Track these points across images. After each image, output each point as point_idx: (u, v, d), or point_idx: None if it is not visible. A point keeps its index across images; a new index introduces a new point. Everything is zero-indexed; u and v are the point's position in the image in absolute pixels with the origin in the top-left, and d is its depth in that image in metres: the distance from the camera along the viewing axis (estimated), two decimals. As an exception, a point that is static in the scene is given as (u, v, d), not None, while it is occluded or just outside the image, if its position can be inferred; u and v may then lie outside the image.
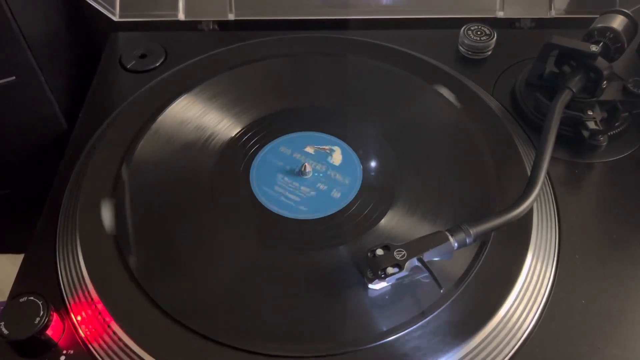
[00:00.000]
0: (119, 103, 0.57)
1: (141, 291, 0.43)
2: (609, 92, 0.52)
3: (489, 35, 0.60)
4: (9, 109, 0.55)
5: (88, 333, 0.42)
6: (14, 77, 0.53)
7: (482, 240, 0.45)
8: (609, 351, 0.41)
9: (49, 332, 0.41)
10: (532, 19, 0.65)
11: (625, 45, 0.53)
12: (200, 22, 0.66)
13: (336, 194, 0.49)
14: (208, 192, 0.49)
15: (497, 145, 0.52)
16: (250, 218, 0.48)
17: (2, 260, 0.63)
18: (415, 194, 0.49)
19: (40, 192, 0.52)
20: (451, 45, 0.62)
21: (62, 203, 0.50)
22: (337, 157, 0.52)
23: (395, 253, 0.41)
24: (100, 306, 0.42)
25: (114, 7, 0.64)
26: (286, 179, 0.50)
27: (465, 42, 0.60)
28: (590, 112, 0.52)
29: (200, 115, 0.55)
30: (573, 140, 0.52)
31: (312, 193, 0.49)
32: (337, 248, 0.46)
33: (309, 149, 0.52)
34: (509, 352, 0.41)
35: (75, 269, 0.44)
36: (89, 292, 0.43)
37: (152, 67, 0.61)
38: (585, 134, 0.51)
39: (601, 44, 0.52)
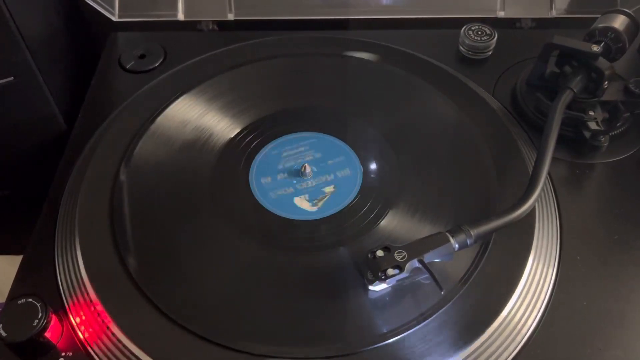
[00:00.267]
0: (118, 103, 0.57)
1: (140, 292, 0.42)
2: (610, 92, 0.52)
3: (490, 35, 0.60)
4: (7, 109, 0.55)
5: (87, 335, 0.41)
6: (12, 78, 0.53)
7: (483, 241, 0.44)
8: (611, 353, 0.41)
9: (47, 334, 0.40)
10: (533, 19, 0.65)
11: (627, 45, 0.53)
12: (199, 22, 0.66)
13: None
14: (207, 192, 0.49)
15: (497, 145, 0.51)
16: (250, 219, 0.48)
17: (0, 262, 0.63)
18: (415, 195, 0.49)
19: (39, 192, 0.52)
20: (452, 45, 0.62)
21: (61, 204, 0.49)
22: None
23: (395, 254, 0.41)
24: (99, 308, 0.42)
25: (113, 7, 0.64)
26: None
27: (466, 42, 0.60)
28: (591, 113, 0.51)
29: (199, 116, 0.54)
30: (574, 140, 0.52)
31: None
32: (337, 249, 0.45)
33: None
34: (511, 354, 0.41)
35: (74, 271, 0.44)
36: (87, 293, 0.43)
37: (151, 67, 0.60)
38: (587, 134, 0.51)
39: (602, 44, 0.52)
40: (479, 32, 0.60)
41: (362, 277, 0.43)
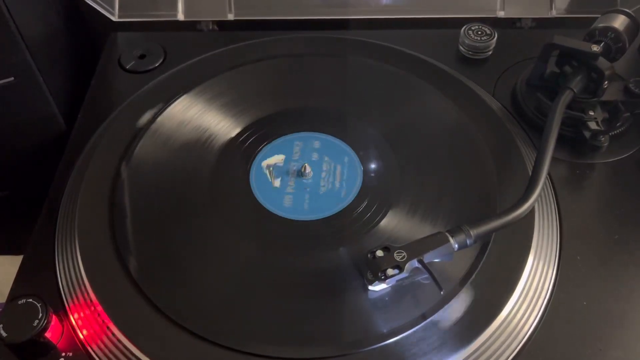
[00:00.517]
0: (118, 103, 0.57)
1: (140, 293, 0.42)
2: (611, 92, 0.52)
3: (490, 35, 0.60)
4: (7, 109, 0.55)
5: (87, 335, 0.41)
6: (12, 78, 0.53)
7: (483, 242, 0.44)
8: (611, 353, 0.41)
9: (47, 334, 0.40)
10: (533, 19, 0.65)
11: (627, 45, 0.53)
12: (199, 22, 0.66)
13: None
14: (207, 192, 0.49)
15: (497, 145, 0.51)
16: (250, 219, 0.48)
17: (1, 262, 0.63)
18: (415, 195, 0.49)
19: (39, 193, 0.52)
20: (452, 45, 0.62)
21: (61, 204, 0.49)
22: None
23: (395, 254, 0.41)
24: (99, 308, 0.42)
25: (113, 7, 0.64)
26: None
27: (466, 42, 0.60)
28: (591, 113, 0.51)
29: (199, 116, 0.54)
30: (574, 140, 0.52)
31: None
32: (337, 249, 0.45)
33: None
34: (511, 354, 0.41)
35: (74, 271, 0.44)
36: (88, 294, 0.43)
37: (151, 67, 0.60)
38: (587, 134, 0.51)
39: (602, 44, 0.52)
40: (479, 32, 0.60)
41: (361, 277, 0.43)
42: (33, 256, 0.46)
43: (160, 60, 0.61)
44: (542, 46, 0.53)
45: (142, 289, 0.42)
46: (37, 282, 0.45)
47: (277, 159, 0.50)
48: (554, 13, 0.65)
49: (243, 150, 0.52)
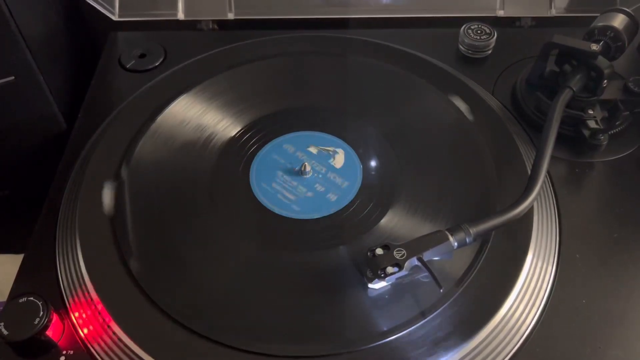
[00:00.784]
0: (118, 103, 0.57)
1: (141, 291, 0.42)
2: (610, 91, 0.52)
3: (489, 34, 0.60)
4: (7, 109, 0.55)
5: (88, 333, 0.42)
6: (13, 77, 0.53)
7: (483, 240, 0.45)
8: (610, 352, 0.41)
9: (48, 332, 0.40)
10: (533, 18, 0.65)
11: (626, 44, 0.53)
12: (199, 21, 0.66)
13: (336, 193, 0.49)
14: (208, 192, 0.49)
15: (497, 144, 0.51)
16: (250, 218, 0.48)
17: (1, 261, 0.63)
18: (415, 194, 0.49)
19: (39, 192, 0.52)
20: (451, 44, 0.62)
21: (62, 202, 0.49)
22: (339, 158, 0.52)
23: (395, 252, 0.41)
24: (100, 306, 0.42)
25: (113, 6, 0.64)
26: (286, 178, 0.50)
27: (466, 41, 0.60)
28: (590, 111, 0.52)
29: (200, 115, 0.54)
30: (574, 139, 0.52)
31: (312, 192, 0.49)
32: (337, 248, 0.45)
33: (312, 149, 0.52)
34: (510, 352, 0.41)
35: (75, 269, 0.44)
36: (88, 292, 0.43)
37: (151, 66, 0.61)
38: (586, 133, 0.51)
39: (602, 43, 0.52)
40: (479, 31, 0.60)
41: (361, 276, 0.43)
42: (34, 255, 0.47)
43: (161, 60, 0.61)
44: (541, 45, 0.53)
45: (142, 287, 0.43)
46: (38, 280, 0.45)
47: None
48: (553, 12, 0.65)
49: (243, 148, 0.52)
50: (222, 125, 0.54)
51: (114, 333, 0.41)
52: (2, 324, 0.40)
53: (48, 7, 0.60)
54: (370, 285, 0.42)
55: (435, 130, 0.54)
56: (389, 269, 0.40)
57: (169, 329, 0.41)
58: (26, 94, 0.55)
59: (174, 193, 0.49)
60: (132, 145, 0.51)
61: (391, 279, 0.41)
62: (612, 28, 0.52)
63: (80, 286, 0.43)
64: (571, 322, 0.42)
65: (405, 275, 0.41)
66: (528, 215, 0.44)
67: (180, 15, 0.65)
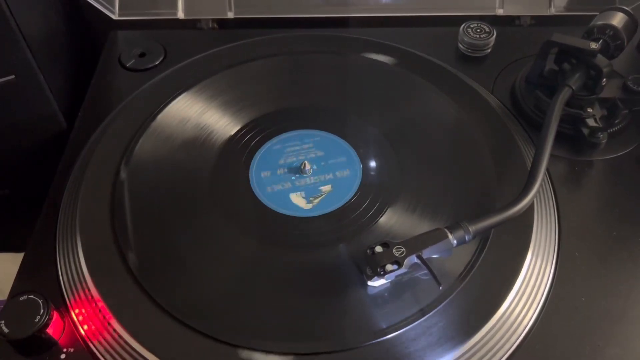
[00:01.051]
0: (118, 102, 0.57)
1: (141, 289, 0.43)
2: (609, 89, 0.52)
3: (489, 32, 0.60)
4: (8, 108, 0.55)
5: (88, 331, 0.42)
6: (13, 76, 0.53)
7: (482, 238, 0.45)
8: (610, 350, 0.41)
9: (49, 330, 0.40)
10: (532, 17, 0.65)
11: (625, 43, 0.53)
12: (199, 20, 0.66)
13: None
14: (208, 190, 0.49)
15: (496, 143, 0.51)
16: (250, 216, 0.48)
17: (2, 259, 0.63)
18: (415, 192, 0.49)
19: (39, 191, 0.52)
20: (451, 43, 0.62)
21: (62, 201, 0.50)
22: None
23: (394, 250, 0.41)
24: (100, 304, 0.42)
25: (113, 5, 0.64)
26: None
27: (465, 39, 0.60)
28: (590, 110, 0.52)
29: (200, 114, 0.55)
30: (573, 137, 0.52)
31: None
32: (337, 245, 0.46)
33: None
34: (509, 350, 0.41)
35: (76, 267, 0.44)
36: (89, 290, 0.43)
37: (151, 65, 0.61)
38: (585, 131, 0.51)
39: (601, 42, 0.52)
40: (478, 30, 0.60)
41: (360, 273, 0.43)
42: (34, 253, 0.47)
43: (161, 59, 0.61)
44: (541, 44, 0.53)
45: (143, 285, 0.43)
46: (39, 278, 0.45)
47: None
48: (552, 11, 0.65)
49: (243, 147, 0.52)
50: (222, 123, 0.54)
51: (115, 331, 0.41)
52: (3, 322, 0.40)
53: (48, 6, 0.60)
54: (369, 283, 0.42)
55: (434, 128, 0.54)
56: (389, 267, 0.40)
57: (169, 327, 0.41)
58: (26, 93, 0.55)
59: (173, 192, 0.49)
60: (132, 144, 0.51)
61: (390, 277, 0.41)
62: (611, 26, 0.52)
63: (81, 284, 0.43)
64: (570, 320, 0.43)
65: (405, 273, 0.41)
66: (527, 213, 0.44)
67: (180, 15, 0.65)
